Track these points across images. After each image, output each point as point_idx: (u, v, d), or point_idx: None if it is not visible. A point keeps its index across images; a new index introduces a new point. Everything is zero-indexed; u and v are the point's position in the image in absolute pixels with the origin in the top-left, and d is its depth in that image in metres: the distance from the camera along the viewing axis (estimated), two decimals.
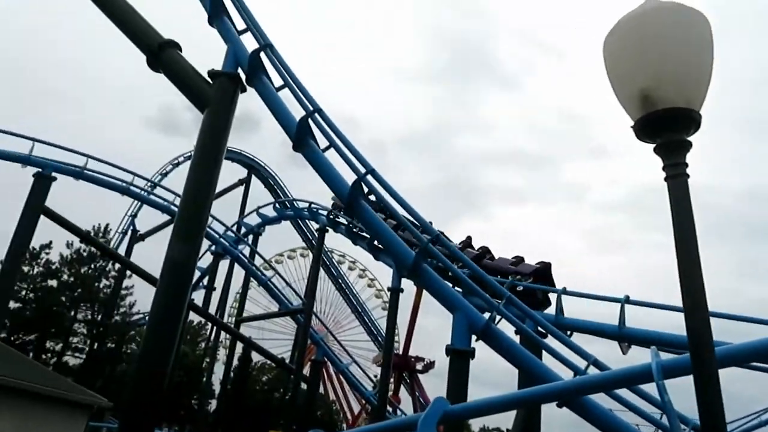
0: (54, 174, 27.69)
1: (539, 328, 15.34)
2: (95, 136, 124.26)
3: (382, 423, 7.05)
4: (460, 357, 12.61)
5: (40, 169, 27.21)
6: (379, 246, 24.13)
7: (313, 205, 34.99)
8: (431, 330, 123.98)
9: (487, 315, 12.97)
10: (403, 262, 13.52)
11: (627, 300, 18.71)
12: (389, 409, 36.47)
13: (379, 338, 66.39)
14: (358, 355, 64.57)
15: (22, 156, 28.03)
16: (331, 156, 15.07)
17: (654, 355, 5.02)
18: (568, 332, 18.41)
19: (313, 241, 48.20)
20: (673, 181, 3.87)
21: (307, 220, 53.75)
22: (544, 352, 14.79)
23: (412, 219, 14.34)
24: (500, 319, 13.63)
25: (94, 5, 16.30)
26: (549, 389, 6.22)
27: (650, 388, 6.45)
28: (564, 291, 19.86)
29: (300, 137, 14.67)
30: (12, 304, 31.78)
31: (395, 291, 27.16)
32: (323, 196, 39.51)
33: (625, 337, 18.56)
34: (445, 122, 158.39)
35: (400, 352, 62.21)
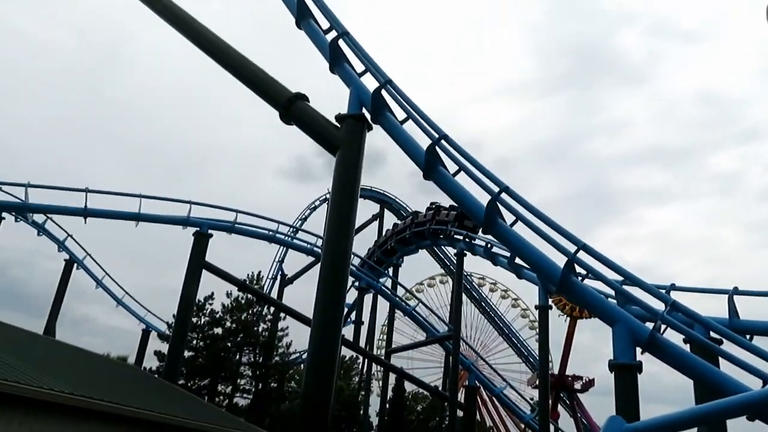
0: (210, 231, 30.30)
1: (712, 334, 14.04)
2: (239, 192, 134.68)
3: None
4: (626, 372, 11.81)
5: (197, 228, 29.93)
6: (522, 263, 23.52)
7: (448, 232, 35.04)
8: (586, 346, 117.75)
9: (650, 325, 12.11)
10: (549, 276, 13.07)
11: None
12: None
13: (531, 359, 64.12)
14: (511, 378, 62.67)
15: (182, 218, 31.04)
16: (462, 179, 15.14)
17: None
18: (748, 336, 16.62)
19: (452, 267, 48.11)
20: None
21: (443, 247, 53.81)
22: (721, 359, 13.50)
23: (550, 234, 13.86)
24: (665, 328, 12.63)
25: (227, 73, 17.95)
26: (738, 401, 5.61)
27: None
28: (736, 291, 18.02)
29: (429, 165, 14.90)
30: (186, 353, 34.94)
31: (543, 309, 26.25)
32: None
33: None
34: (571, 129, 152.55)
35: (555, 372, 59.58)
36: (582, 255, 12.99)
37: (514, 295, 76.69)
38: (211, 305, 39.05)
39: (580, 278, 13.83)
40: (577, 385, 58.45)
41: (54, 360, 13.25)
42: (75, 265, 38.86)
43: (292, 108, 16.19)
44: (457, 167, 14.76)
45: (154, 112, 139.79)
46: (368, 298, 45.80)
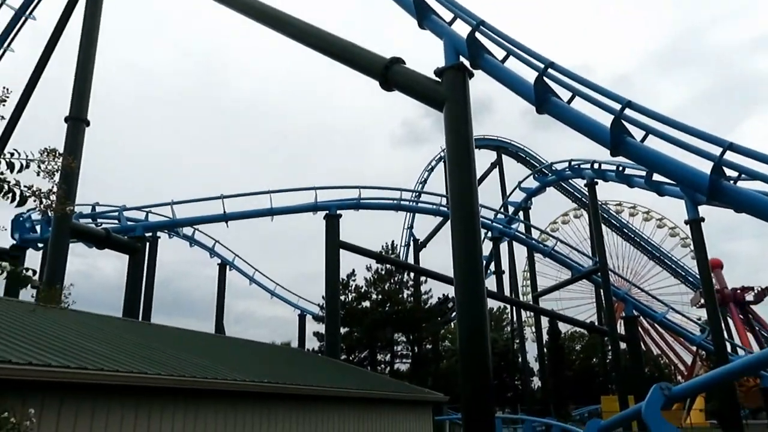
0: (338, 211, 31.40)
1: None
2: (359, 169, 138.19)
3: (739, 362, 6.22)
4: None
5: (326, 211, 31.13)
6: (661, 179, 21.97)
7: (573, 162, 33.53)
8: (752, 254, 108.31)
9: None
10: (696, 185, 12.07)
11: None
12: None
13: (689, 278, 60.29)
14: (672, 301, 59.27)
15: (310, 205, 32.43)
16: (578, 105, 14.31)
17: None
18: None
19: (584, 199, 46.06)
20: None
21: (570, 180, 51.71)
22: None
23: (688, 141, 12.71)
24: None
25: (323, 56, 18.29)
26: None
27: None
28: None
29: (540, 98, 14.24)
30: (341, 329, 36.84)
31: (695, 222, 24.42)
32: (580, 151, 37.59)
33: None
34: (689, 24, 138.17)
35: (719, 287, 55.46)
36: (730, 156, 11.83)
37: (657, 215, 72.01)
38: (354, 281, 40.70)
39: (731, 181, 12.62)
40: (749, 297, 53.98)
41: (232, 353, 14.54)
42: (227, 267, 42.19)
43: (390, 74, 16.16)
44: (571, 93, 13.98)
45: (264, 112, 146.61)
46: (504, 247, 45.30)
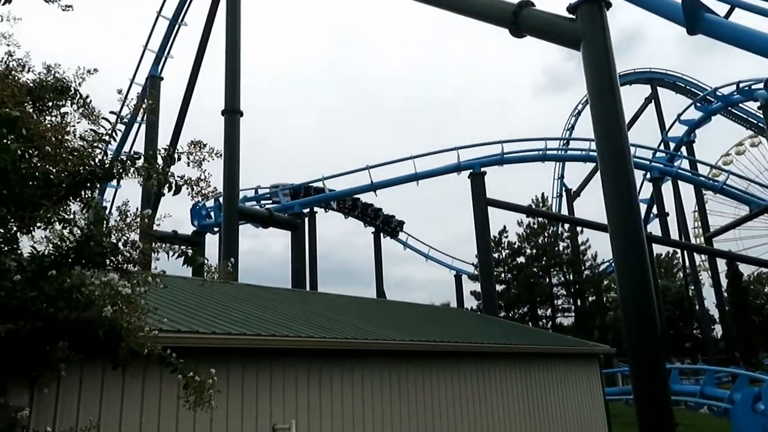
0: (482, 169, 31.01)
1: None
2: (505, 124, 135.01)
3: None
4: None
5: (470, 170, 30.89)
6: None
7: (741, 84, 29.89)
8: None
9: None
10: None
11: None
12: None
13: None
14: None
15: (453, 165, 32.37)
16: (739, 17, 12.71)
17: None
18: None
19: (761, 124, 40.84)
20: None
21: (740, 104, 46.22)
22: None
23: None
24: None
25: (450, 12, 17.97)
26: None
27: None
28: None
29: (691, 17, 12.82)
30: (498, 287, 36.73)
31: None
32: (751, 72, 33.31)
33: None
34: None
35: None
36: None
37: None
38: (506, 237, 40.19)
39: None
40: None
41: (392, 315, 15.20)
42: (381, 234, 43.73)
43: (520, 18, 15.44)
44: (729, 6, 12.42)
45: (406, 84, 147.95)
46: (668, 188, 41.90)
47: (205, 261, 4.78)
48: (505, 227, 40.53)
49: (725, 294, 43.44)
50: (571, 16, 14.46)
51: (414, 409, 10.05)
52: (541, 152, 34.52)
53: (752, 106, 38.79)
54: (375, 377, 9.56)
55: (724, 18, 12.60)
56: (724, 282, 53.62)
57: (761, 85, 27.30)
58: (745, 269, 58.93)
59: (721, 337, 49.92)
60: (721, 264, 43.74)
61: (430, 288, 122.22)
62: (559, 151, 37.05)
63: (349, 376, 9.12)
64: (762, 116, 30.29)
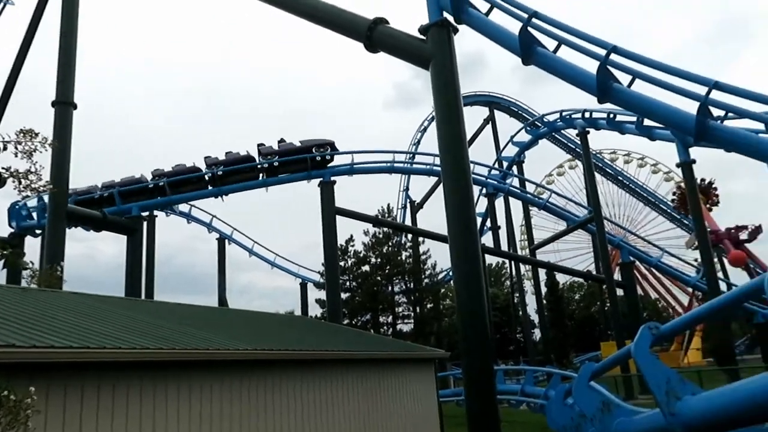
0: (332, 178, 31.34)
1: None
2: (354, 135, 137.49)
3: (721, 297, 6.39)
4: None
5: (321, 179, 31.08)
6: (651, 123, 21.92)
7: (564, 113, 33.40)
8: (747, 193, 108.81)
9: None
10: (683, 127, 12.11)
11: None
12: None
13: (685, 221, 60.70)
14: (668, 245, 59.79)
15: (303, 174, 32.33)
16: (565, 54, 14.20)
17: None
18: None
19: (578, 149, 46.00)
20: None
21: (563, 131, 51.61)
22: None
23: (674, 82, 12.62)
24: None
25: (306, 21, 18.01)
26: None
27: None
28: None
29: (526, 49, 14.12)
30: (343, 295, 37.26)
31: (686, 164, 24.52)
32: (574, 102, 37.48)
33: None
34: None
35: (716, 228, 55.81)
36: (717, 95, 11.82)
37: (651, 161, 71.93)
38: (353, 246, 40.93)
39: (719, 121, 12.62)
40: (743, 235, 54.37)
41: (234, 324, 14.73)
42: (226, 240, 42.32)
43: (375, 35, 15.95)
44: (557, 42, 13.85)
45: (263, 91, 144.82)
46: (500, 203, 45.49)
47: (30, 265, 4.30)
48: (352, 236, 41.29)
49: (544, 301, 48.02)
50: (422, 37, 15.24)
51: (256, 419, 9.83)
52: (389, 164, 35.71)
53: (572, 132, 43.53)
54: (216, 388, 9.20)
55: (552, 52, 13.99)
56: (544, 290, 59.14)
57: (580, 116, 30.80)
58: (562, 278, 65.75)
59: (540, 340, 55.00)
60: (542, 273, 48.34)
61: (275, 295, 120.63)
62: (406, 164, 38.60)
63: (186, 389, 8.67)
64: (579, 142, 34.10)
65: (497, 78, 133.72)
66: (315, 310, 45.09)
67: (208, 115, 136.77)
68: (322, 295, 37.36)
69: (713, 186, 53.20)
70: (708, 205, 50.19)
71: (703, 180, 52.36)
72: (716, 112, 12.44)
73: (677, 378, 6.38)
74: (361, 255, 40.61)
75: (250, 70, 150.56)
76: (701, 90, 11.89)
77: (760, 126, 13.95)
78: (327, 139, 33.03)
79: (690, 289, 40.49)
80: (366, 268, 40.65)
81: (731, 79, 12.19)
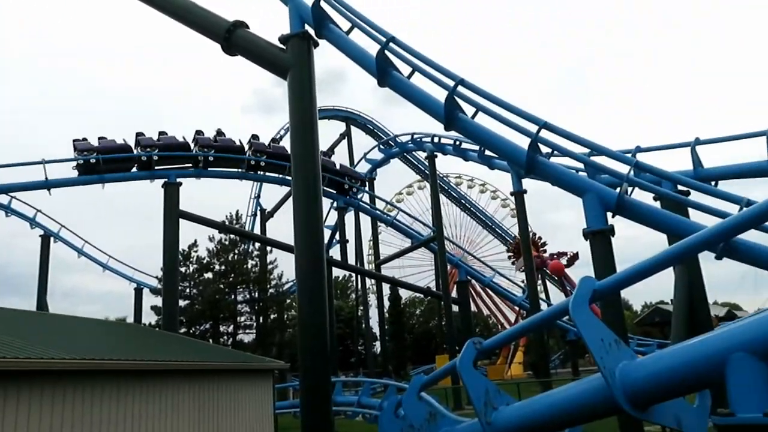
0: (179, 180, 29.86)
1: (680, 188, 14.52)
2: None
3: (534, 316, 7.14)
4: (599, 237, 12.36)
5: (165, 179, 29.48)
6: (491, 154, 23.75)
7: (415, 136, 35.00)
8: (569, 223, 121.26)
9: (618, 189, 12.48)
10: (516, 160, 13.29)
11: None
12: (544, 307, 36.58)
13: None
14: (502, 267, 64.92)
15: (145, 173, 30.42)
16: (417, 81, 14.94)
17: None
18: (713, 183, 17.22)
19: (426, 171, 48.42)
20: None
21: (414, 152, 53.96)
22: (691, 209, 14.06)
23: (512, 119, 13.82)
24: (633, 190, 13.06)
25: (163, 14, 17.12)
26: (699, 238, 5.92)
27: None
28: (698, 141, 18.45)
29: (382, 71, 14.65)
30: (182, 302, 35.50)
31: (518, 194, 26.83)
32: (426, 127, 39.45)
33: None
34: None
35: (542, 253, 61.62)
36: (546, 134, 13.15)
37: (492, 188, 77.68)
38: (196, 252, 39.26)
39: (547, 157, 14.04)
40: (563, 261, 60.63)
41: (52, 330, 13.43)
42: (51, 238, 38.38)
43: (233, 37, 15.63)
44: (411, 69, 14.55)
45: (115, 86, 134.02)
46: (350, 217, 46.37)
47: None
48: (196, 241, 39.61)
49: (387, 314, 49.63)
50: (282, 46, 15.20)
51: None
52: (241, 170, 34.85)
53: (421, 155, 45.69)
54: (32, 400, 8.32)
55: (406, 78, 14.67)
56: (387, 304, 60.95)
57: (429, 140, 32.51)
58: (404, 293, 68.38)
59: (381, 353, 56.57)
60: (386, 288, 50.00)
61: (106, 300, 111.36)
62: (259, 173, 37.89)
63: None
64: (427, 164, 35.89)
65: (357, 95, 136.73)
66: (150, 318, 42.44)
67: (54, 108, 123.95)
68: (159, 301, 35.29)
69: (543, 243, 60.26)
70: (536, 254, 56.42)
71: (534, 233, 58.92)
72: (545, 149, 13.86)
73: (495, 389, 6.93)
74: (205, 261, 39.08)
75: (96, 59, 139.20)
76: (533, 128, 13.15)
77: (580, 165, 15.65)
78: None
79: (516, 308, 44.17)
80: (209, 275, 39.17)
81: (561, 122, 13.67)
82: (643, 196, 14.37)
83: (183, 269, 36.63)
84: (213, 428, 13.21)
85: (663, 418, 5.19)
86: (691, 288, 15.94)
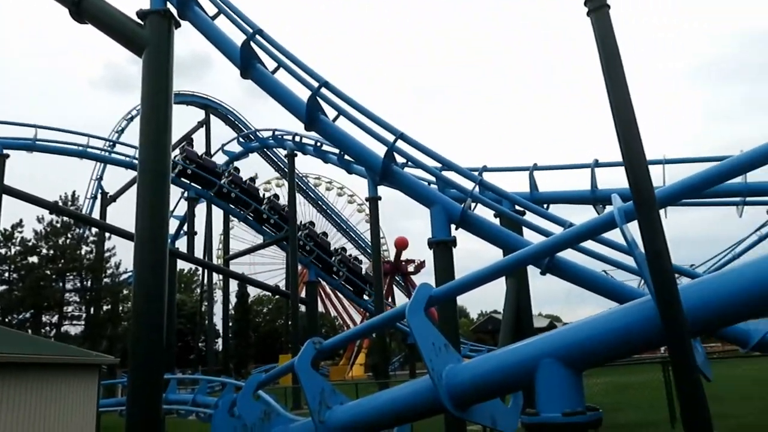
0: (5, 151, 26.80)
1: (517, 207, 15.78)
2: (45, 108, 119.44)
3: (374, 319, 7.44)
4: (442, 247, 13.08)
5: None
6: (349, 158, 24.12)
7: (277, 132, 34.49)
8: (419, 232, 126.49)
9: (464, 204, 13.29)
10: (373, 167, 13.64)
11: (596, 164, 19.18)
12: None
13: (368, 250, 67.74)
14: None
15: None
16: (283, 77, 14.76)
17: (615, 201, 5.20)
18: (545, 205, 18.98)
19: (286, 168, 47.93)
20: (596, 14, 3.90)
21: (275, 149, 53.23)
22: (525, 229, 15.37)
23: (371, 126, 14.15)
24: (476, 205, 13.99)
25: None
26: (525, 253, 6.56)
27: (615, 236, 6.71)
28: (535, 167, 20.23)
29: (246, 63, 14.28)
30: None
31: (373, 200, 27.51)
32: (290, 125, 39.14)
33: (598, 199, 19.20)
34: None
35: (392, 259, 63.77)
36: (402, 145, 13.65)
37: (349, 192, 78.89)
38: (21, 233, 35.45)
39: (401, 167, 14.56)
40: (410, 268, 63.23)
41: None
42: None
43: (83, 3, 14.35)
44: (276, 64, 14.34)
45: None
46: (201, 209, 44.54)
47: None
48: (21, 221, 35.74)
49: (232, 311, 48.25)
50: (140, 21, 14.24)
51: None
52: (81, 148, 32.10)
53: (282, 152, 45.14)
54: None
55: (271, 73, 14.43)
56: (234, 301, 59.28)
57: (291, 138, 32.19)
58: (252, 291, 67.04)
59: (222, 350, 54.89)
60: (234, 284, 48.59)
61: None
62: (103, 152, 35.12)
63: None
64: (287, 162, 35.55)
65: (222, 83, 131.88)
66: None
67: None
68: None
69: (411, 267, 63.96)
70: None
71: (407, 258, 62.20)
72: (401, 159, 14.38)
73: (330, 389, 7.08)
74: (30, 244, 35.40)
75: None
76: (391, 138, 13.59)
77: (431, 178, 16.43)
78: None
79: (363, 311, 45.21)
80: (34, 259, 35.52)
81: (417, 135, 14.26)
82: (486, 213, 15.51)
83: (4, 251, 32.92)
84: (31, 425, 11.99)
85: (480, 417, 5.64)
86: (519, 299, 17.39)
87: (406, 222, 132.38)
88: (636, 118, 3.69)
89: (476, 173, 16.63)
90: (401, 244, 64.61)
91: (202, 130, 53.35)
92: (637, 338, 4.36)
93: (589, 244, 11.63)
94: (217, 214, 46.85)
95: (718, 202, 20.28)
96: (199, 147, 52.33)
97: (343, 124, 14.21)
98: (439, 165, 15.15)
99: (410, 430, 7.29)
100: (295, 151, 32.85)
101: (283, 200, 70.29)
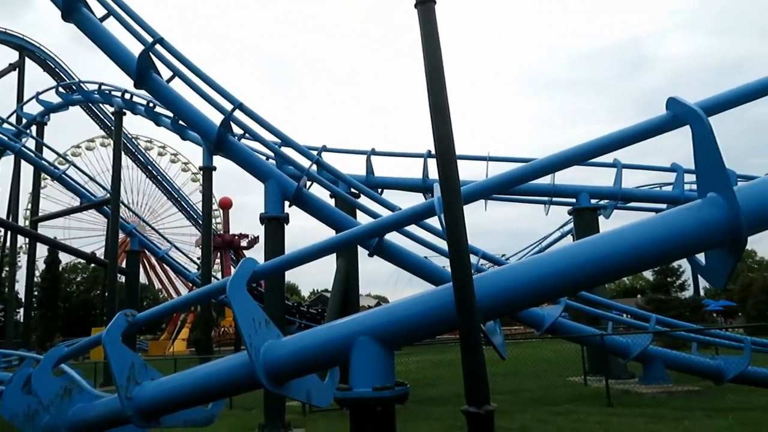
0: None
1: (352, 190, 16.13)
2: None
3: (193, 292, 7.22)
4: (274, 223, 12.98)
5: None
6: (184, 124, 22.85)
7: (104, 87, 31.47)
8: (255, 207, 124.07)
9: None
10: (207, 136, 13.09)
11: (429, 155, 20.29)
12: None
13: (200, 221, 65.13)
14: (181, 241, 62.86)
15: None
16: (113, 27, 13.47)
17: (436, 191, 5.54)
18: (379, 190, 19.66)
19: (112, 126, 44.08)
20: (422, 8, 4.08)
21: (101, 105, 48.84)
22: (358, 211, 15.80)
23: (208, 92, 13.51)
24: (311, 184, 14.06)
25: None
26: (354, 233, 6.77)
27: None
28: (373, 152, 20.84)
29: (69, 5, 12.83)
30: None
31: (207, 169, 26.41)
32: (124, 80, 35.77)
33: (428, 188, 20.36)
34: None
35: (224, 233, 61.89)
36: (240, 116, 13.21)
37: (184, 159, 74.99)
38: None
39: (237, 138, 14.11)
40: (244, 243, 61.90)
41: None
42: None
43: None
44: (106, 11, 13.05)
45: None
46: (7, 162, 39.58)
47: None
48: None
49: (39, 279, 43.57)
50: None
51: None
52: None
53: (110, 109, 41.41)
54: None
55: (99, 20, 13.08)
56: (43, 267, 53.56)
57: (120, 94, 29.55)
58: (65, 257, 61.13)
59: (23, 321, 49.50)
60: (42, 249, 43.85)
61: None
62: None
63: None
64: (114, 120, 32.66)
65: (46, 25, 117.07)
66: None
67: None
68: None
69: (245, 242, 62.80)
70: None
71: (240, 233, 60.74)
72: (238, 131, 13.91)
73: (141, 363, 6.72)
74: None
75: None
76: (230, 107, 13.08)
77: (270, 153, 16.13)
78: None
79: (190, 284, 43.27)
80: None
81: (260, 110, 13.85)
82: (322, 193, 15.66)
83: None
84: None
85: (296, 393, 5.73)
86: (348, 278, 17.88)
87: (243, 197, 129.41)
88: (450, 112, 3.95)
89: (316, 153, 16.69)
90: (225, 205, 63.89)
91: (14, 74, 47.29)
92: (442, 320, 4.71)
93: (419, 232, 12.33)
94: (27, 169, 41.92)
95: (531, 200, 22.63)
96: (10, 93, 46.37)
97: (178, 87, 13.40)
98: (278, 141, 14.92)
99: (225, 404, 7.20)
100: (124, 110, 30.31)
101: (108, 162, 64.91)
